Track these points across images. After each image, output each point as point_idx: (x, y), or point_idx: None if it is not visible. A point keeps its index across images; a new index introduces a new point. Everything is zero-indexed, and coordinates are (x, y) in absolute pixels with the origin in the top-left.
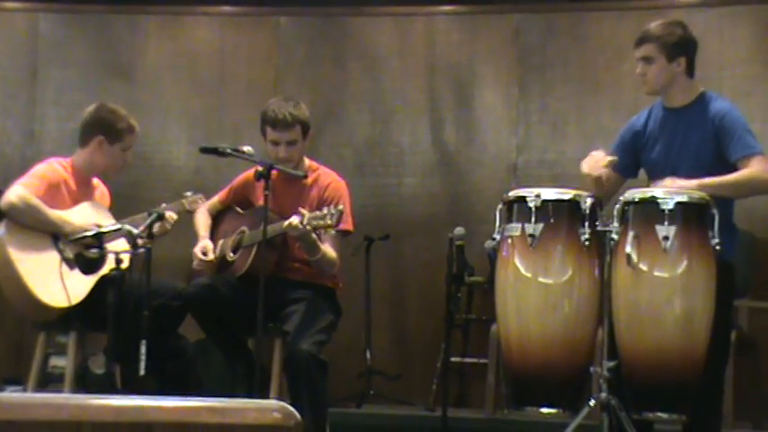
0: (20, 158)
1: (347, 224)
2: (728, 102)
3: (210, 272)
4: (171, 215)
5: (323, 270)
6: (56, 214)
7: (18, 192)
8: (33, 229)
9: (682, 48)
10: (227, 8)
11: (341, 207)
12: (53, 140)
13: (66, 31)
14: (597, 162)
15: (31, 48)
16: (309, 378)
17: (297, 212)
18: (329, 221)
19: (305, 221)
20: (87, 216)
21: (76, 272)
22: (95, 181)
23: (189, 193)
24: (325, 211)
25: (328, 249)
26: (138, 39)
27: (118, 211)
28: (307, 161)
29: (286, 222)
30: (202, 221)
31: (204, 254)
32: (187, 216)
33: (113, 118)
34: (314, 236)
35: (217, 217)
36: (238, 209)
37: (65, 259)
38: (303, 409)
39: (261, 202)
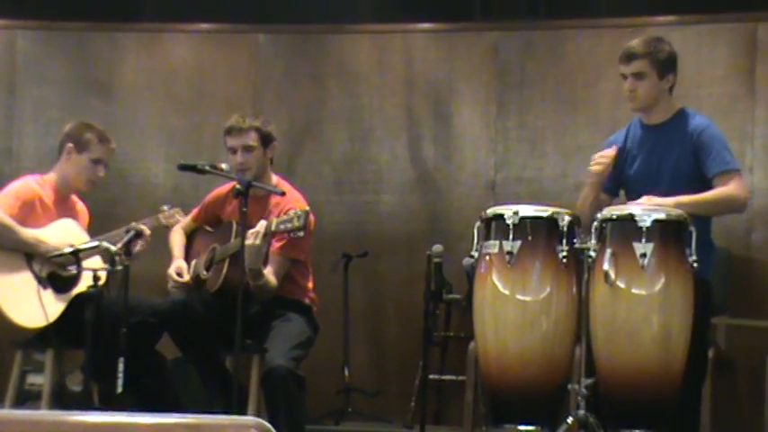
0: None
1: (297, 254)
2: (706, 118)
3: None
4: (145, 231)
5: (260, 293)
6: (29, 234)
7: None
8: (6, 248)
9: (671, 64)
10: (204, 25)
11: (306, 208)
12: (31, 158)
13: (44, 48)
14: (603, 159)
15: (9, 65)
16: (287, 393)
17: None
18: (297, 223)
19: (273, 226)
20: (62, 234)
21: (50, 291)
22: (74, 198)
23: (165, 207)
24: (291, 213)
25: (270, 276)
26: (117, 56)
27: (96, 228)
28: (274, 178)
29: (250, 231)
30: (177, 241)
31: (179, 275)
32: (164, 231)
33: (83, 128)
34: (260, 266)
35: (189, 237)
36: (207, 227)
37: (38, 278)
38: (281, 425)
39: (228, 219)
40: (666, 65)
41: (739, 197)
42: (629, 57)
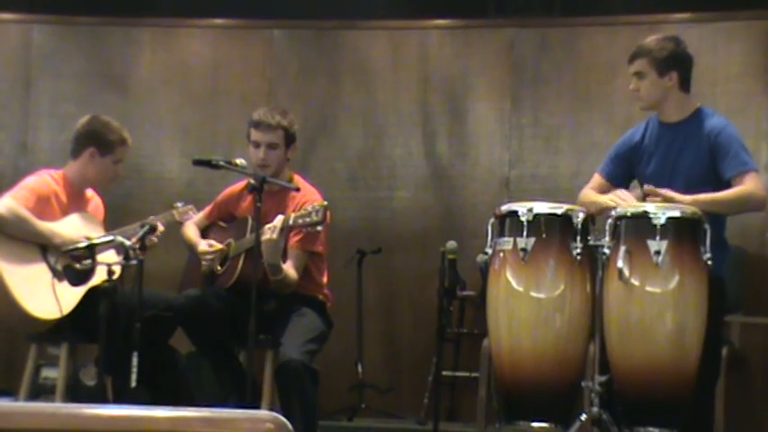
0: (12, 170)
1: (315, 246)
2: (724, 118)
3: (217, 264)
4: (159, 227)
5: (280, 287)
6: (45, 226)
7: (7, 203)
8: (22, 240)
9: (673, 63)
10: (220, 21)
11: (325, 203)
12: (46, 152)
13: (59, 42)
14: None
15: (25, 59)
16: (300, 386)
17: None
18: (315, 218)
19: (291, 220)
20: (77, 227)
21: (65, 283)
22: (89, 193)
23: (179, 204)
24: (309, 208)
25: (290, 270)
26: (132, 51)
27: (110, 222)
28: (290, 175)
29: (267, 226)
30: (193, 232)
31: (210, 246)
32: (177, 227)
33: (105, 130)
34: (279, 261)
35: (201, 234)
36: (221, 223)
37: (53, 271)
38: (294, 419)
39: (243, 215)
40: (666, 63)
41: (758, 196)
42: (631, 57)
